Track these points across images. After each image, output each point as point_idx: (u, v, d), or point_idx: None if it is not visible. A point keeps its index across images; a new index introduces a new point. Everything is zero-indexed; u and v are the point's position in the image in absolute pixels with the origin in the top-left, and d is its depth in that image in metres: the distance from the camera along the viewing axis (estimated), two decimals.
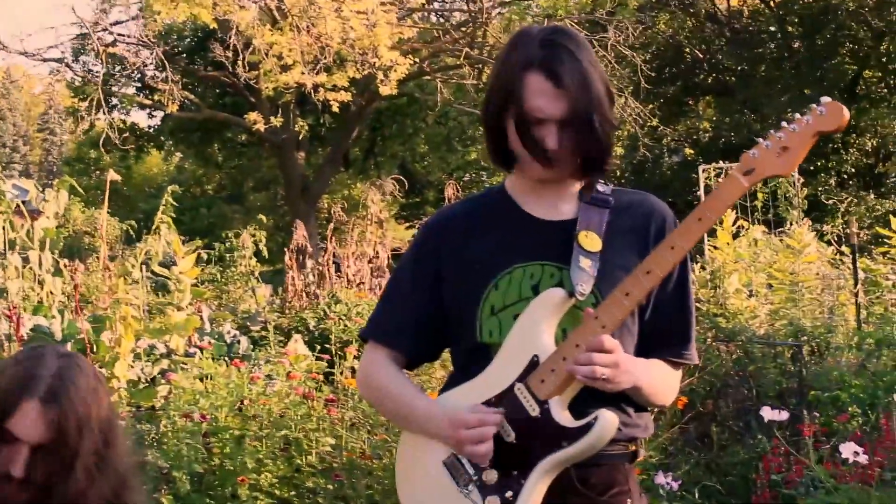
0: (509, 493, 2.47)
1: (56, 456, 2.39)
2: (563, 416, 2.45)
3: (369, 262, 12.01)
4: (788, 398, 6.15)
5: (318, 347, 6.74)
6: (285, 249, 12.19)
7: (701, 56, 25.84)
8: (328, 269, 11.90)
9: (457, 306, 2.63)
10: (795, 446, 4.95)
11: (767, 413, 4.20)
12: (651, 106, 23.57)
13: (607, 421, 2.41)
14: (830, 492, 4.32)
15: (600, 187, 2.65)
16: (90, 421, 2.43)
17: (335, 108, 17.63)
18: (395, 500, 5.10)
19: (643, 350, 2.57)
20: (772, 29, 26.33)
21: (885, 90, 24.25)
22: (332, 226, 12.69)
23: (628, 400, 2.55)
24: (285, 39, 17.58)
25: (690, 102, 27.72)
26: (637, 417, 2.59)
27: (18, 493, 2.38)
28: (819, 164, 23.27)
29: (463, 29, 20.51)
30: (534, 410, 2.47)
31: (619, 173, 29.89)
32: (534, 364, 2.48)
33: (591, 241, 2.56)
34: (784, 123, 2.40)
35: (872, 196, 21.85)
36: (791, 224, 10.83)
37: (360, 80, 18.84)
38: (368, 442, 5.52)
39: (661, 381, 2.62)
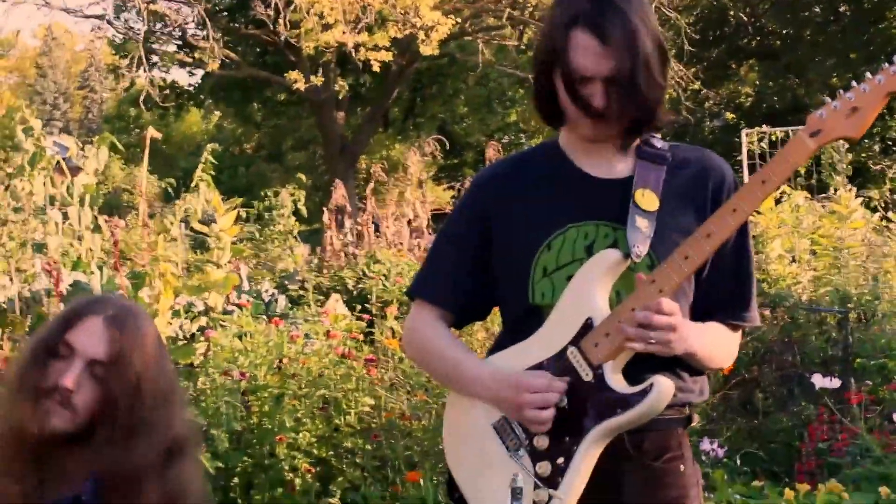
0: (561, 460, 2.41)
1: (108, 383, 2.35)
2: (616, 382, 2.40)
3: (409, 223, 11.96)
4: (833, 366, 6.07)
5: (358, 307, 6.71)
6: (324, 209, 12.14)
7: (745, 19, 25.55)
8: (367, 230, 11.85)
9: (508, 267, 2.57)
10: (840, 414, 4.87)
11: (818, 381, 4.13)
12: (694, 69, 23.32)
13: (663, 388, 2.35)
14: (880, 460, 4.25)
15: (657, 143, 2.57)
16: (151, 365, 2.40)
17: (376, 68, 17.57)
18: (433, 462, 5.15)
19: (701, 313, 2.50)
20: None
21: None
22: (371, 186, 12.60)
23: (683, 363, 2.48)
24: None
25: (734, 66, 27.45)
26: (692, 382, 2.53)
27: (62, 412, 2.32)
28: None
29: None
30: (587, 375, 2.41)
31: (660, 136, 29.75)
32: (587, 327, 2.42)
33: (647, 199, 2.48)
34: (854, 83, 2.30)
35: None
36: (835, 190, 10.67)
37: (401, 40, 18.75)
38: (408, 403, 5.49)
39: (718, 345, 2.55)
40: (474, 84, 25.50)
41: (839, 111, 2.30)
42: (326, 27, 17.73)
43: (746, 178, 17.84)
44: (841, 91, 2.31)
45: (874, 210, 10.54)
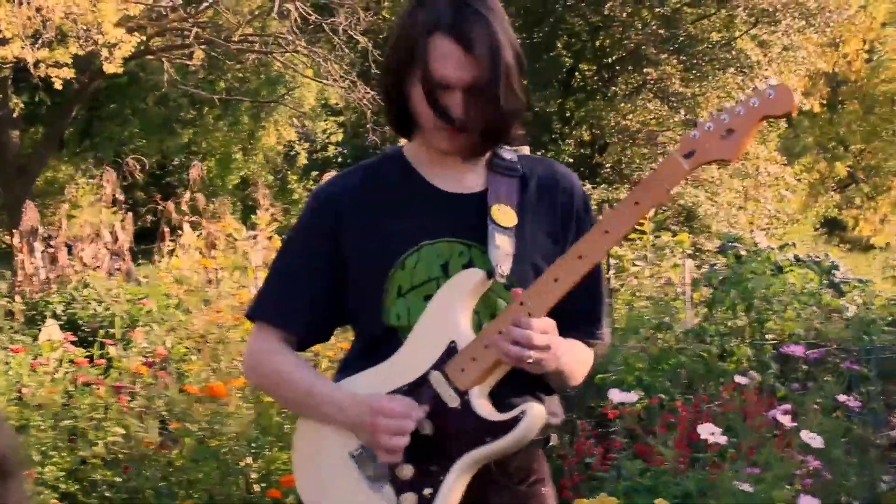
0: (428, 491, 2.30)
1: None
2: (485, 409, 2.30)
3: (105, 245, 11.52)
4: None
5: (76, 333, 6.41)
6: (13, 231, 11.55)
7: None
8: (60, 253, 11.34)
9: (359, 286, 2.46)
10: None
11: None
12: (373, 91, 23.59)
13: (535, 415, 2.27)
14: (643, 473, 4.40)
15: (507, 154, 2.52)
16: None
17: (58, 86, 16.79)
18: (189, 491, 4.94)
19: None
20: None
21: (600, 83, 25.10)
22: (65, 207, 12.08)
23: (542, 384, 2.42)
24: (3, 11, 16.62)
25: None
26: (550, 403, 2.47)
27: None
28: (537, 154, 23.81)
29: (191, 9, 19.93)
30: (453, 401, 2.30)
31: (339, 159, 29.90)
32: (451, 350, 2.32)
33: (504, 214, 2.41)
34: (727, 104, 2.28)
35: (590, 186, 22.51)
36: None
37: (81, 58, 18.05)
38: (161, 431, 5.26)
39: (581, 362, 2.51)
40: (154, 104, 24.86)
41: (713, 132, 2.26)
42: (3, 42, 16.85)
43: None
44: (714, 111, 2.29)
45: None
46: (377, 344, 2.43)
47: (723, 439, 3.78)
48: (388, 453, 2.30)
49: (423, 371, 2.34)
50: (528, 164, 2.54)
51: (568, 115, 24.86)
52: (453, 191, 2.47)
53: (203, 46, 19.27)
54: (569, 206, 2.51)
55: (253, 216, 10.89)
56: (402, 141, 2.61)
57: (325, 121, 30.08)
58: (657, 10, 23.01)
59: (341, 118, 29.77)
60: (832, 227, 36.51)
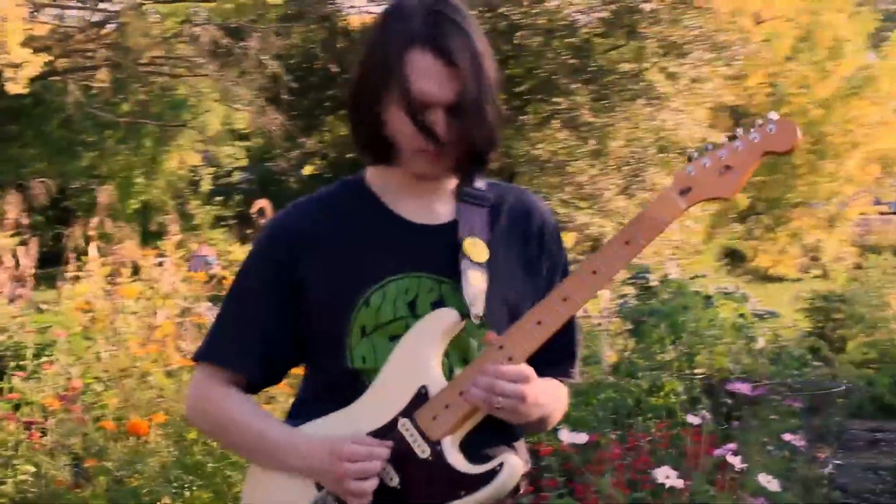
0: None
1: None
2: (458, 460, 2.13)
3: (8, 271, 11.15)
4: None
5: None
6: None
7: (335, 70, 25.87)
8: None
9: (320, 325, 2.26)
10: None
11: None
12: (285, 118, 23.34)
13: (513, 468, 2.11)
14: None
15: (476, 182, 2.34)
16: None
17: None
18: None
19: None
20: None
21: (510, 112, 25.10)
22: None
23: (510, 429, 2.26)
24: None
25: (323, 116, 27.67)
26: (520, 450, 2.31)
27: None
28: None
29: (98, 29, 19.55)
30: (423, 452, 2.13)
31: (245, 185, 29.57)
32: (421, 397, 2.15)
33: (477, 248, 2.24)
34: (725, 139, 2.14)
35: None
36: None
37: None
38: (72, 469, 5.00)
39: (559, 402, 2.36)
40: (57, 126, 24.34)
41: (710, 169, 2.13)
42: None
43: None
44: (709, 146, 2.15)
45: None
46: (338, 387, 2.25)
47: (679, 482, 3.65)
48: (356, 498, 2.13)
49: (389, 417, 2.17)
50: (496, 193, 2.38)
51: None
52: (420, 221, 2.30)
53: (110, 68, 18.88)
54: (541, 238, 2.37)
55: (160, 241, 10.61)
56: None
57: (231, 145, 29.74)
58: (568, 39, 23.08)
59: (247, 143, 29.47)
60: (732, 259, 36.92)
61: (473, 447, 2.17)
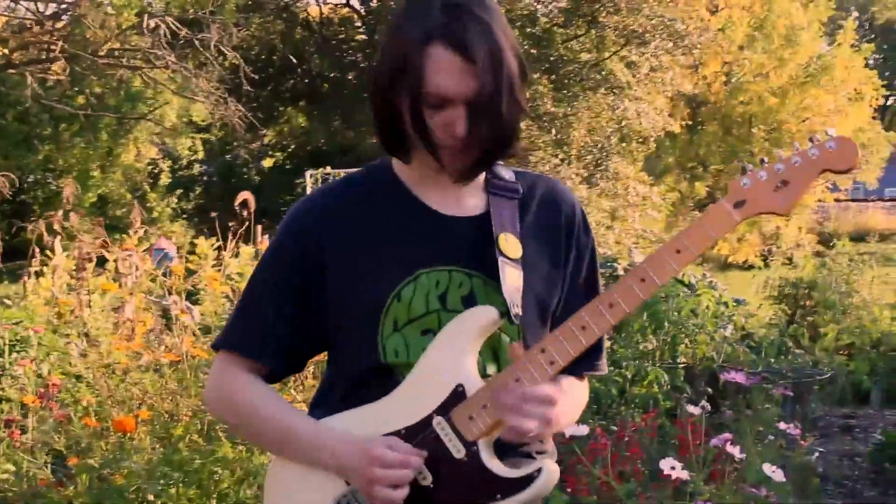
0: None
1: None
2: (494, 463, 2.07)
3: None
4: None
5: None
6: None
7: (294, 61, 25.79)
8: None
9: (350, 318, 2.20)
10: None
11: None
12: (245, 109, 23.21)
13: (551, 473, 2.07)
14: None
15: (504, 173, 2.29)
16: None
17: None
18: None
19: None
20: (362, 37, 26.67)
21: None
22: None
23: None
24: None
25: (283, 107, 27.56)
26: (553, 451, 2.27)
27: None
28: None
29: (55, 21, 19.33)
30: (458, 452, 2.07)
31: (205, 177, 29.41)
32: (458, 395, 2.09)
33: (511, 244, 2.19)
34: (781, 153, 2.10)
35: None
36: None
37: None
38: (53, 468, 4.90)
39: (578, 407, 2.33)
40: (13, 120, 24.08)
41: (766, 182, 2.08)
42: None
43: None
44: (765, 159, 2.10)
45: None
46: (368, 380, 2.19)
47: (684, 474, 3.61)
48: None
49: (424, 415, 2.11)
50: (526, 184, 2.33)
51: None
52: (451, 213, 2.24)
53: (68, 61, 18.66)
54: (569, 229, 2.32)
55: (126, 235, 10.47)
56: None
57: (189, 138, 29.55)
58: (528, 29, 23.07)
59: (207, 135, 29.29)
60: None
61: (503, 447, 2.12)
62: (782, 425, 4.33)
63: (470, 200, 2.27)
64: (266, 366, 2.29)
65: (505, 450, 2.12)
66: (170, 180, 29.43)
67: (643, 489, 4.49)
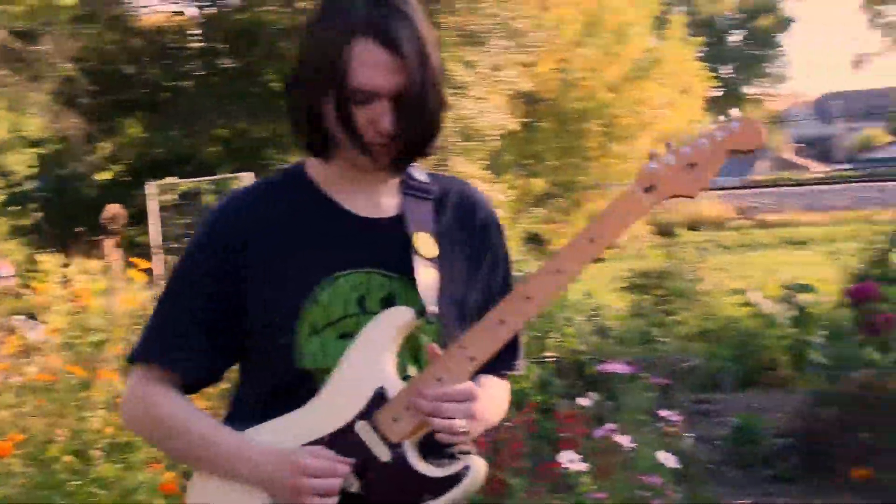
0: None
1: None
2: (419, 463, 2.07)
3: None
4: None
5: None
6: None
7: (132, 71, 25.29)
8: None
9: (266, 324, 2.17)
10: None
11: None
12: (83, 121, 22.67)
13: (478, 471, 2.07)
14: None
15: (418, 174, 2.29)
16: None
17: None
18: None
19: None
20: (200, 45, 26.29)
21: None
22: None
23: None
24: None
25: (121, 118, 26.98)
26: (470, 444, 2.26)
27: None
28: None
29: None
30: (384, 455, 2.07)
31: (43, 193, 28.54)
32: (379, 398, 2.08)
33: (426, 244, 2.19)
34: (687, 136, 2.11)
35: None
36: None
37: None
38: None
39: (501, 405, 2.35)
40: None
41: (674, 165, 2.10)
42: None
43: (152, 234, 17.40)
44: (672, 143, 2.12)
45: None
46: (286, 388, 2.16)
47: (583, 466, 3.69)
48: None
49: (346, 420, 2.09)
50: (440, 185, 2.33)
51: (283, 139, 24.56)
52: (366, 215, 2.24)
53: None
54: (484, 231, 2.34)
55: None
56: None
57: (21, 153, 28.67)
58: None
59: (39, 150, 28.46)
60: (535, 243, 37.45)
61: (426, 447, 2.11)
62: (664, 413, 4.44)
63: (386, 201, 2.26)
64: (183, 377, 2.26)
65: (430, 450, 2.11)
66: (4, 197, 28.48)
67: (529, 485, 4.56)
